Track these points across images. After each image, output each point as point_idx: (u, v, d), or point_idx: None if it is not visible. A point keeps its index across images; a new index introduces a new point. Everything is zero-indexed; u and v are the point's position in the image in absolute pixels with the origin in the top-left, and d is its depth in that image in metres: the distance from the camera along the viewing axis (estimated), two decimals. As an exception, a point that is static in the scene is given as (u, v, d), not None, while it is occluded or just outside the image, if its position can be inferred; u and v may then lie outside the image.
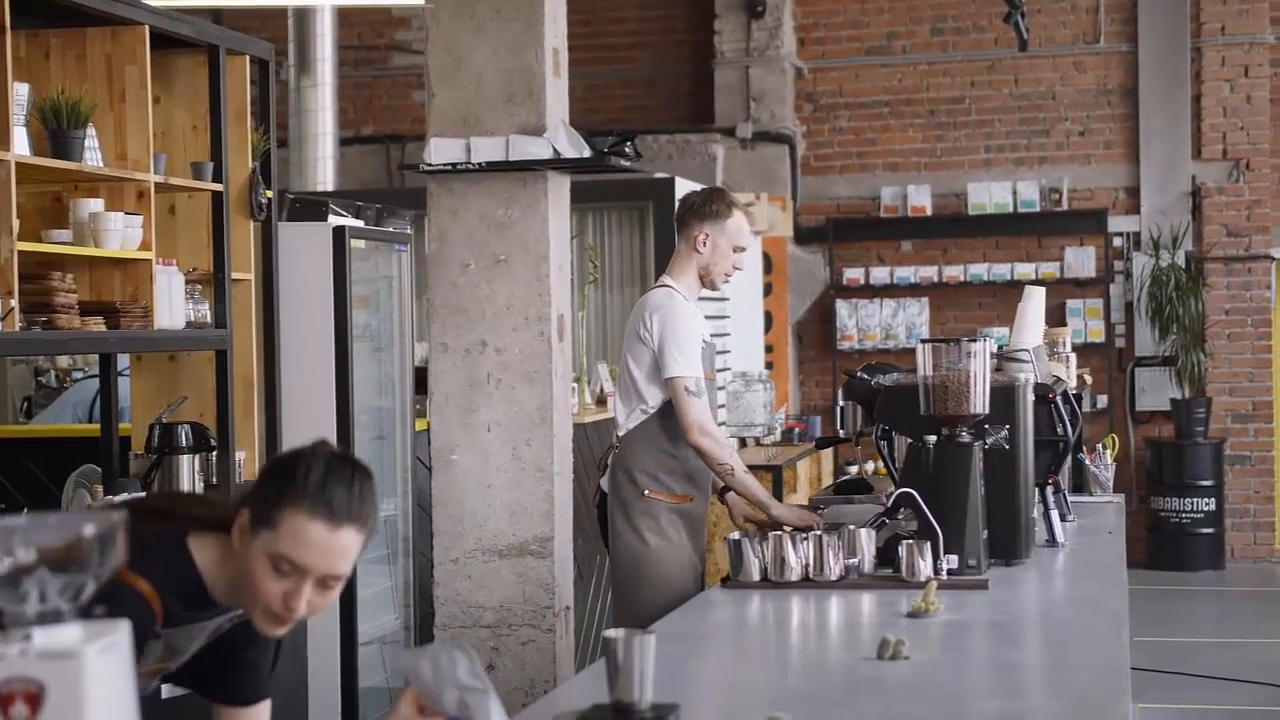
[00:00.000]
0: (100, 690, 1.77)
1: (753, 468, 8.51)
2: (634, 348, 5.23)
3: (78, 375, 8.83)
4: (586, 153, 5.91)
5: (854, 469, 12.23)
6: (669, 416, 5.16)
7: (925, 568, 4.17)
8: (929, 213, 12.85)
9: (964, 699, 3.04)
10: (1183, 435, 12.30)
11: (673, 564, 5.17)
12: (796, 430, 11.12)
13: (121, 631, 1.82)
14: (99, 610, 2.03)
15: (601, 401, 8.07)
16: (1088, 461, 6.40)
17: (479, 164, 5.81)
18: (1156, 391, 12.56)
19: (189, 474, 5.48)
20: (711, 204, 5.32)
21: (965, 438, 4.40)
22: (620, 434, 5.31)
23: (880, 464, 12.16)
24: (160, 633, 2.63)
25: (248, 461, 5.88)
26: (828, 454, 11.26)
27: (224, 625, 2.76)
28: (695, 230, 5.30)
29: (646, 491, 5.21)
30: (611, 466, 5.30)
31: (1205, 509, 12.21)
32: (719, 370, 6.07)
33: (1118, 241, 12.72)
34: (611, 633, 2.73)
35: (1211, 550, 12.27)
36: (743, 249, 5.35)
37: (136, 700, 1.86)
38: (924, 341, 4.46)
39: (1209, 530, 12.25)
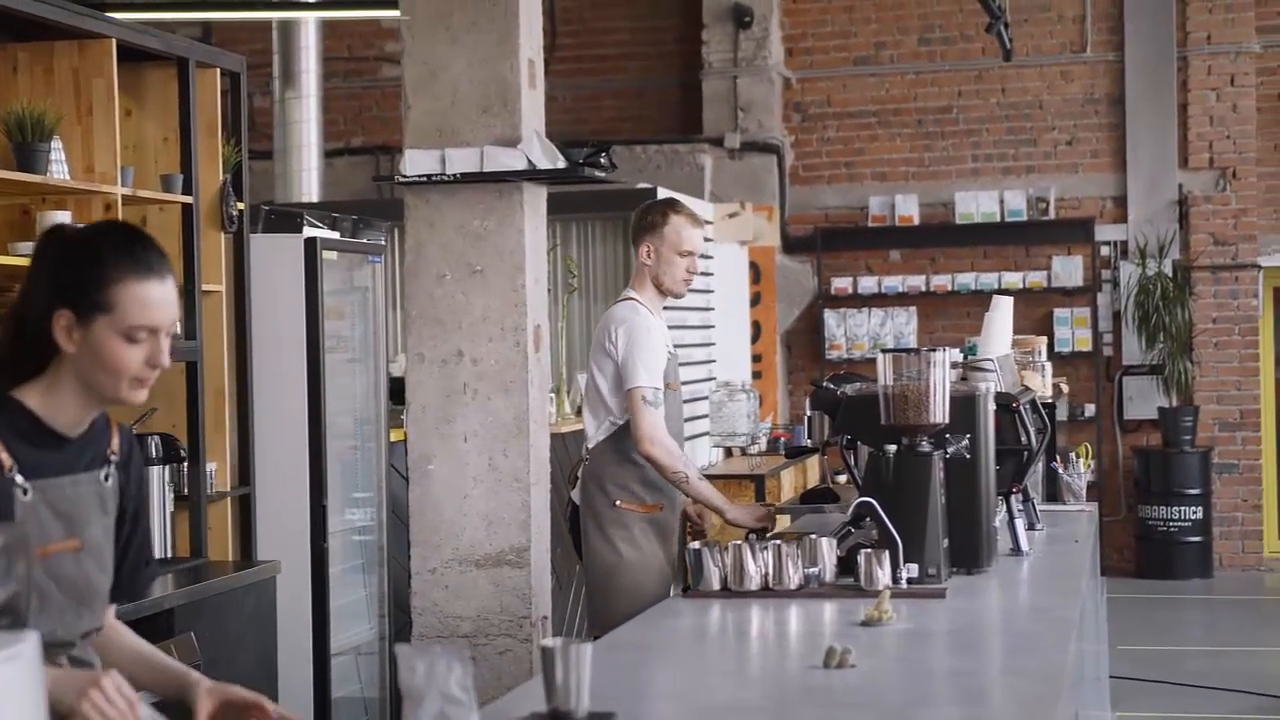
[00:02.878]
0: (6, 701, 1.78)
1: (736, 477, 8.57)
2: (600, 360, 5.37)
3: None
4: (561, 164, 5.92)
5: (842, 478, 12.25)
6: None
7: (884, 577, 4.18)
8: (917, 222, 12.87)
9: (905, 707, 3.05)
10: (1170, 444, 12.31)
11: (645, 573, 5.24)
12: (783, 440, 11.13)
13: (29, 642, 1.84)
14: None
15: (580, 411, 8.08)
16: (1060, 470, 6.40)
17: (454, 175, 5.84)
18: (1144, 400, 12.57)
19: (159, 485, 5.49)
20: (648, 215, 5.49)
21: (925, 447, 4.41)
22: (590, 446, 5.40)
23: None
24: (24, 485, 2.66)
25: (219, 473, 5.90)
26: (814, 463, 11.27)
27: (99, 483, 2.78)
28: (639, 244, 5.49)
29: (618, 502, 5.30)
30: (582, 478, 5.40)
31: (1193, 517, 12.22)
32: (683, 383, 6.11)
33: (1105, 250, 12.74)
34: (548, 642, 2.75)
35: (1199, 558, 12.28)
36: (689, 253, 5.45)
37: (46, 711, 1.88)
38: (884, 351, 4.48)
39: (1197, 539, 12.25)
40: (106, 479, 2.81)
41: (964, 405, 4.54)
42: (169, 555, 5.56)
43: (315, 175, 10.48)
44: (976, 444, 4.56)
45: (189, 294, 5.66)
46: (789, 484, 9.79)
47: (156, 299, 2.68)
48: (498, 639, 5.62)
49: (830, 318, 12.93)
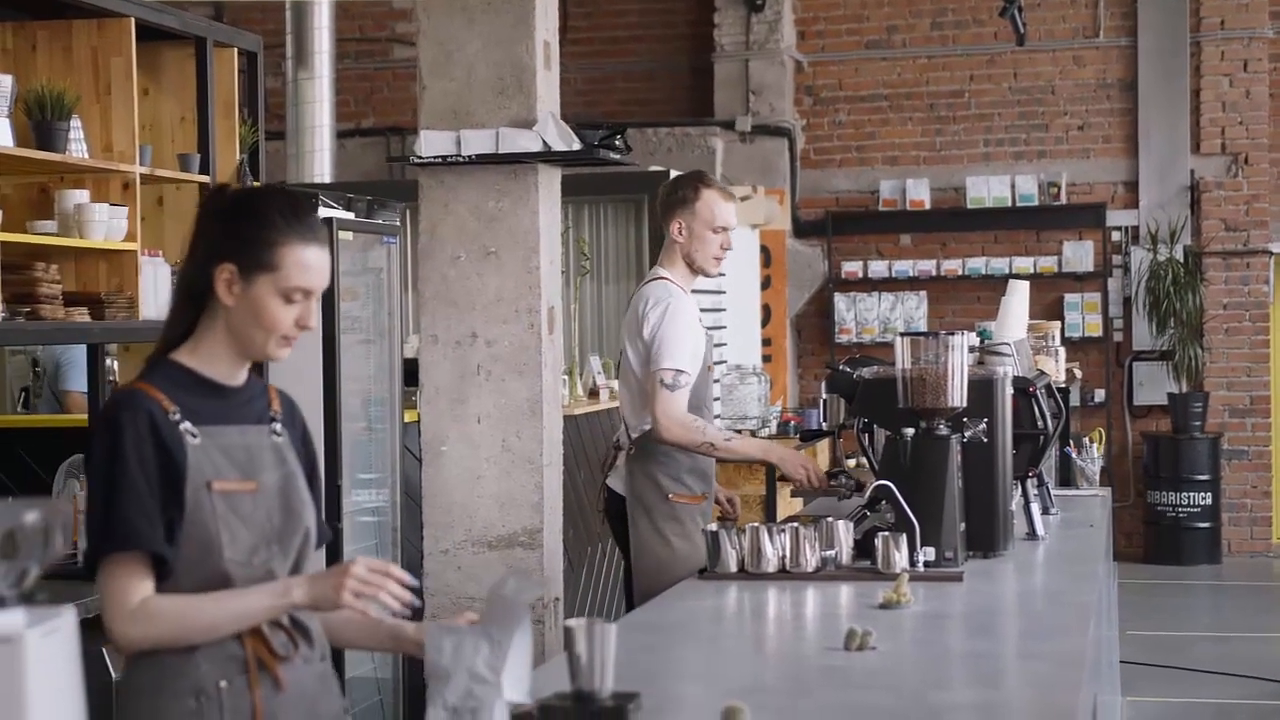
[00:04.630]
0: (42, 675, 1.79)
1: (746, 460, 8.55)
2: (636, 345, 5.21)
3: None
4: (576, 145, 5.92)
5: (851, 462, 12.25)
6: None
7: (901, 560, 4.18)
8: (927, 206, 12.86)
9: (927, 689, 3.06)
10: (1180, 429, 12.30)
11: (696, 564, 5.11)
12: (793, 423, 11.13)
13: (66, 619, 1.85)
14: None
15: (594, 394, 8.09)
16: (1074, 455, 6.40)
17: (469, 156, 5.83)
18: (1154, 386, 12.57)
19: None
20: (678, 190, 5.30)
21: (943, 430, 4.41)
22: (634, 435, 5.23)
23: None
24: (193, 430, 2.78)
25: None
26: (825, 446, 11.27)
27: (270, 436, 2.90)
28: (669, 220, 5.29)
29: (671, 495, 5.16)
30: (630, 469, 5.23)
31: (1202, 503, 12.22)
32: (716, 363, 6.05)
33: (1116, 236, 12.73)
34: (572, 622, 2.75)
35: (1208, 544, 12.28)
36: (723, 229, 5.27)
37: (82, 685, 1.88)
38: (902, 334, 4.47)
39: (1205, 524, 12.25)
40: (276, 434, 2.92)
41: (981, 389, 4.54)
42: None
43: (328, 156, 10.47)
44: (994, 428, 4.55)
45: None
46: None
47: (316, 263, 2.82)
48: (510, 622, 5.63)
49: (840, 302, 12.93)
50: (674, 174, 10.17)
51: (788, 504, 8.72)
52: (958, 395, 4.40)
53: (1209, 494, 12.23)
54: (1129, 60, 12.73)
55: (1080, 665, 3.13)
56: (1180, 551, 12.17)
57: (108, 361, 6.13)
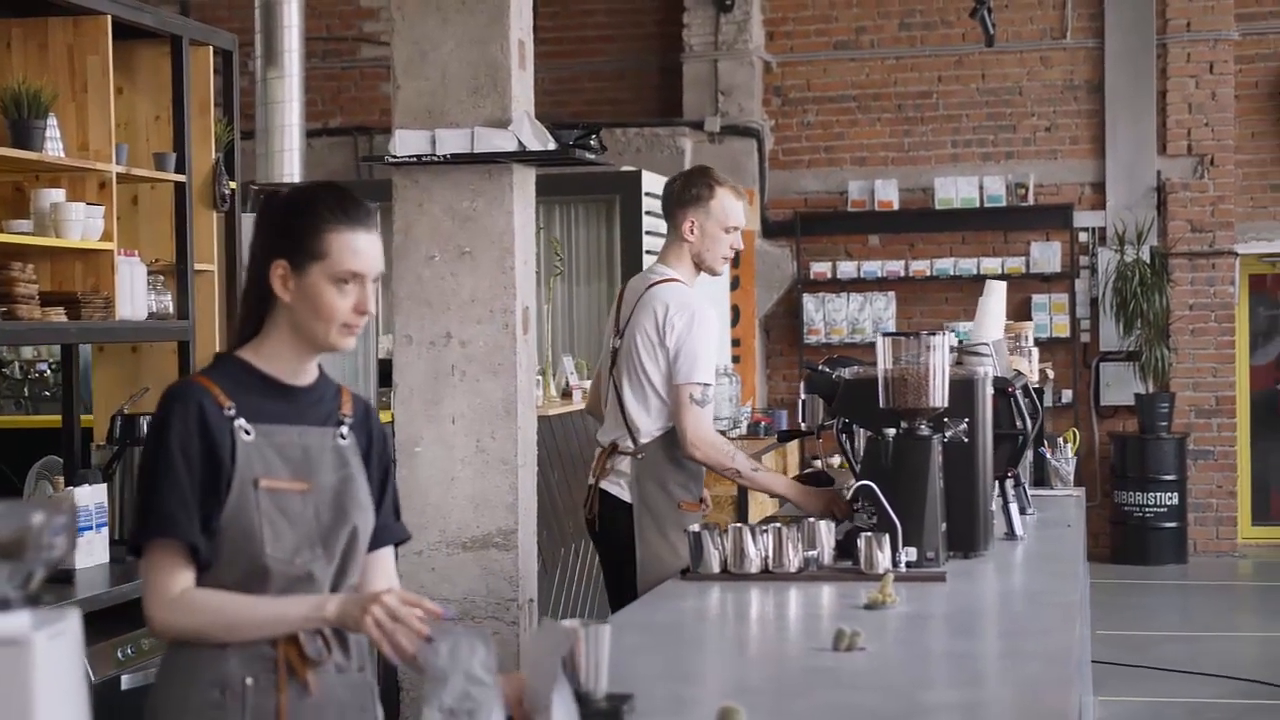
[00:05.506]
0: (49, 677, 1.77)
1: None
2: (649, 349, 5.02)
3: (42, 367, 8.79)
4: (551, 145, 5.91)
5: (818, 462, 12.28)
6: None
7: (884, 560, 4.19)
8: (896, 207, 12.89)
9: (916, 689, 3.07)
10: (1146, 430, 12.37)
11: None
12: (763, 424, 11.14)
13: (71, 621, 1.83)
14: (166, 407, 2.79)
15: (567, 394, 8.08)
16: (1049, 455, 6.43)
17: (444, 156, 5.82)
18: (1121, 386, 12.63)
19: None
20: (691, 188, 5.11)
21: (924, 431, 4.42)
22: (644, 440, 5.06)
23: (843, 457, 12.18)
24: (247, 427, 2.82)
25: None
26: (794, 447, 11.29)
27: (334, 438, 2.92)
28: (681, 218, 5.11)
29: (682, 504, 5.04)
30: (637, 476, 5.05)
31: (1168, 503, 12.28)
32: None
33: (1083, 237, 12.78)
34: (568, 624, 2.75)
35: (1174, 544, 12.34)
36: (735, 228, 5.10)
37: (87, 689, 1.87)
38: (884, 335, 4.47)
39: (1172, 524, 12.32)
40: (342, 437, 2.94)
41: (962, 389, 4.55)
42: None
43: (298, 156, 10.40)
44: (975, 428, 4.56)
45: (181, 274, 5.63)
46: (773, 468, 9.81)
47: (364, 247, 2.88)
48: (484, 622, 5.62)
49: (809, 302, 12.95)
50: (645, 174, 10.21)
51: (759, 505, 8.73)
52: (939, 395, 4.41)
53: (1175, 494, 12.30)
54: (1096, 62, 12.79)
55: (1068, 664, 3.14)
56: (1147, 551, 12.23)
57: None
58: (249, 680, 2.80)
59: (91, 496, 4.90)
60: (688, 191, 5.12)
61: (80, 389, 5.80)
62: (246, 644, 2.81)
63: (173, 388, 2.89)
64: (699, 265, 5.15)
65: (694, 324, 4.97)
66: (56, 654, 1.79)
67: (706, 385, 4.95)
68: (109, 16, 5.25)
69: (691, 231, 5.10)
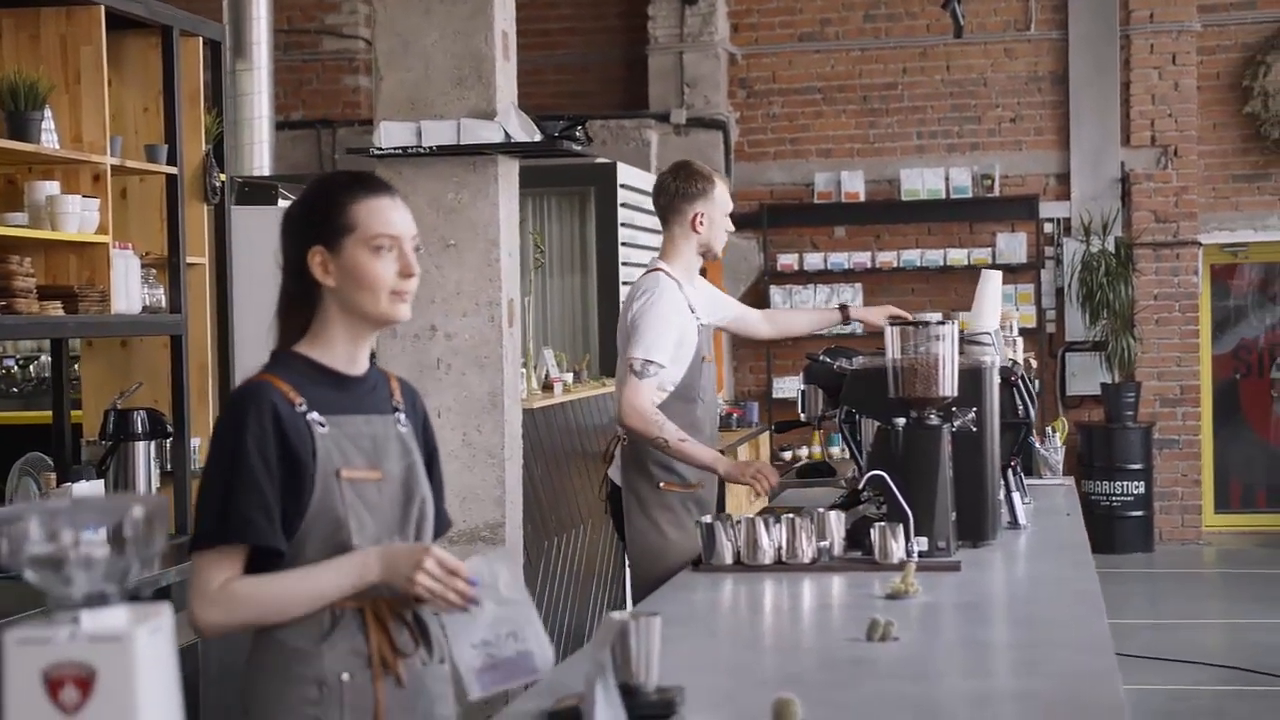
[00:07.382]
0: (150, 672, 1.75)
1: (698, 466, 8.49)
2: (624, 334, 5.21)
3: (9, 363, 8.70)
4: (537, 137, 5.89)
5: (805, 452, 12.30)
6: (676, 404, 5.11)
7: (898, 550, 4.19)
8: (862, 199, 12.91)
9: (960, 679, 3.07)
10: (1112, 419, 12.44)
11: (690, 552, 5.05)
12: (735, 416, 11.16)
13: (165, 615, 1.81)
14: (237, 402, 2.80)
15: (548, 387, 8.06)
16: (1038, 445, 6.44)
17: (430, 148, 5.78)
18: (1087, 376, 12.69)
19: (144, 461, 5.41)
20: (695, 183, 5.30)
21: (934, 420, 4.41)
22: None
23: (819, 449, 12.18)
24: (320, 420, 2.82)
25: (203, 448, 5.82)
26: (764, 439, 11.31)
27: (395, 425, 2.91)
28: (688, 213, 5.29)
29: (662, 484, 5.16)
30: (622, 459, 5.22)
31: (1135, 492, 12.36)
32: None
33: (1049, 227, 12.84)
34: (618, 615, 2.73)
35: (1140, 533, 12.43)
36: (729, 212, 5.43)
37: (179, 682, 1.84)
38: (893, 324, 4.46)
39: (1138, 513, 12.40)
40: (401, 424, 2.93)
41: (970, 378, 4.55)
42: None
43: (267, 149, 10.34)
44: (982, 417, 4.56)
45: (173, 268, 5.57)
46: (746, 458, 9.80)
47: (389, 210, 2.88)
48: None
49: (776, 294, 12.95)
50: (620, 166, 10.18)
51: (734, 496, 8.73)
52: (949, 385, 4.41)
53: (1141, 483, 12.37)
54: (1060, 53, 12.84)
55: (1109, 653, 3.14)
56: (1114, 540, 12.29)
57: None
58: (345, 676, 2.78)
59: (89, 493, 4.84)
60: (692, 186, 5.29)
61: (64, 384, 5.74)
62: (338, 637, 2.79)
63: (243, 389, 2.87)
64: (705, 253, 5.36)
65: (651, 303, 5.12)
66: (155, 648, 1.77)
67: (649, 361, 5.06)
68: (102, 7, 5.18)
69: (700, 223, 5.29)
